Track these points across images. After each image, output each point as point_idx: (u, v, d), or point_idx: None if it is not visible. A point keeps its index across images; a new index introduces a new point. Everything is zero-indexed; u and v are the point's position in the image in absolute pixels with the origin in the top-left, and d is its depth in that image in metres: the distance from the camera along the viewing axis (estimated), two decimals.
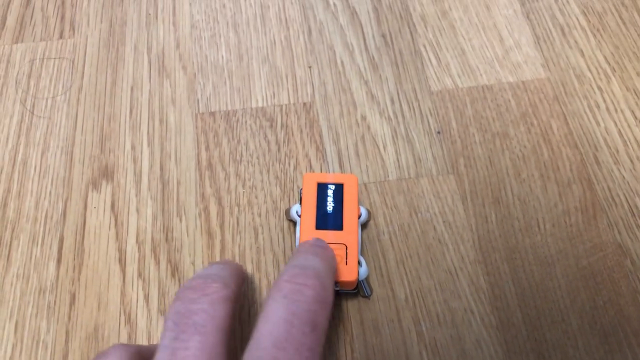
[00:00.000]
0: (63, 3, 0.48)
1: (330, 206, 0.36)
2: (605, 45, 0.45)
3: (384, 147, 0.41)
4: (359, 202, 0.38)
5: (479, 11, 0.47)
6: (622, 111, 0.43)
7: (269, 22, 0.47)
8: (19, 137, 0.41)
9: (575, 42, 0.46)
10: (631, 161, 0.40)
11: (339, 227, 0.35)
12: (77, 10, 0.47)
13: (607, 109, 0.43)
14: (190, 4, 0.48)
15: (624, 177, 0.40)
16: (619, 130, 0.42)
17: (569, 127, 0.42)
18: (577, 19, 0.47)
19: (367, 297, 0.36)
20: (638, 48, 0.45)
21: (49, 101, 0.43)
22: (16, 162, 0.41)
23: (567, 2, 0.48)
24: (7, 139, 0.41)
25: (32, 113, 0.42)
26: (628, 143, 0.41)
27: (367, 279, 0.36)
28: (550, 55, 0.45)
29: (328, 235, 0.34)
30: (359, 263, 0.35)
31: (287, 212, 0.38)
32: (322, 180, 0.36)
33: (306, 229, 0.35)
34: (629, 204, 0.39)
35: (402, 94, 0.43)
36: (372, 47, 0.46)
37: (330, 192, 0.36)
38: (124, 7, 0.48)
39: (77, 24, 0.47)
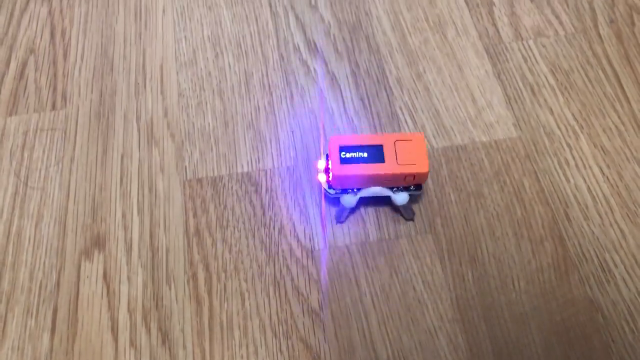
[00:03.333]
0: (55, 74, 0.50)
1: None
2: (573, 103, 0.48)
3: (364, 208, 0.43)
4: None
5: (452, 72, 0.50)
6: (590, 167, 0.45)
7: (253, 89, 0.49)
8: (13, 209, 0.43)
9: (545, 100, 0.48)
10: (600, 217, 0.42)
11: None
12: (69, 81, 0.49)
13: (577, 165, 0.45)
14: (177, 73, 0.50)
15: (593, 232, 0.42)
16: (588, 187, 0.44)
17: (540, 185, 0.44)
18: (546, 78, 0.49)
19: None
20: (604, 105, 0.48)
21: (42, 172, 0.45)
22: (11, 233, 0.42)
23: (536, 61, 0.50)
24: (2, 211, 0.43)
25: (26, 185, 0.44)
26: (597, 199, 0.43)
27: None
28: (521, 114, 0.47)
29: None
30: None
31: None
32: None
33: None
34: (599, 259, 0.41)
35: None
36: (351, 111, 0.48)
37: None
38: (114, 76, 0.50)
39: (69, 94, 0.49)
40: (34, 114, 0.48)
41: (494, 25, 0.52)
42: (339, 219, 0.42)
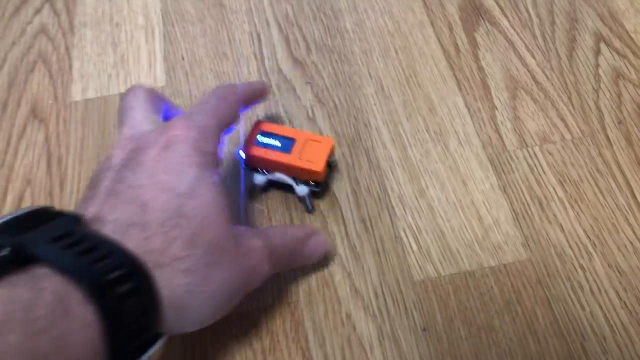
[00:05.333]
0: None
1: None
2: (584, 217, 0.46)
3: (371, 350, 0.41)
4: None
5: (456, 188, 0.48)
6: (606, 292, 0.42)
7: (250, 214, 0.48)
8: None
9: (554, 215, 0.46)
10: (619, 349, 0.40)
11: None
12: None
13: (591, 290, 0.43)
14: None
15: None
16: (605, 314, 0.42)
17: (554, 314, 0.42)
18: (554, 190, 0.47)
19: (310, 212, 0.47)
20: (617, 219, 0.46)
21: None
22: None
23: (543, 171, 0.48)
24: None
25: None
26: (615, 328, 0.41)
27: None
28: (530, 232, 0.45)
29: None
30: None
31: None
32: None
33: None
34: None
35: (386, 285, 0.44)
36: (353, 235, 0.46)
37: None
38: None
39: None
40: None
41: (497, 131, 0.51)
42: (251, 192, 0.48)
